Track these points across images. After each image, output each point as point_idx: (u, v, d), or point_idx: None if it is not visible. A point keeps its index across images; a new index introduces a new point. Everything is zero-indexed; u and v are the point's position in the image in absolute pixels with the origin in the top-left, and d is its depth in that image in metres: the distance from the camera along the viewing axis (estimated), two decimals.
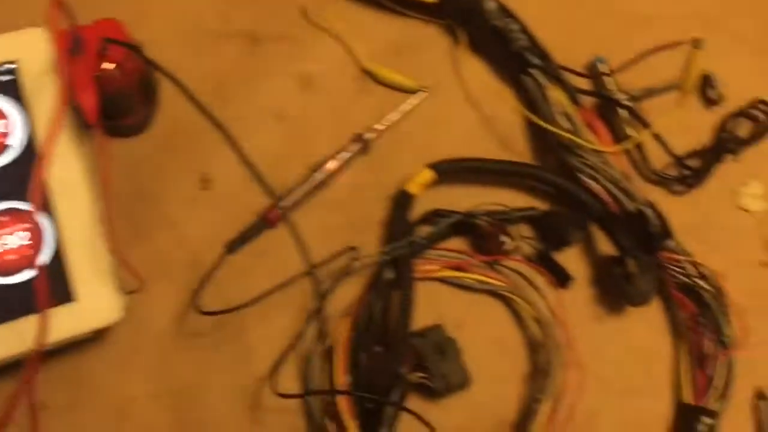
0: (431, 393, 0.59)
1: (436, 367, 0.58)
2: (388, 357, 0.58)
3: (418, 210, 0.63)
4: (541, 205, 0.65)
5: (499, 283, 0.62)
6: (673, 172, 0.66)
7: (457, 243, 0.64)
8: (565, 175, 0.63)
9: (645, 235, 0.60)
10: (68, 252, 0.54)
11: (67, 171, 0.54)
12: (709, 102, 0.68)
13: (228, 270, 0.61)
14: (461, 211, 0.62)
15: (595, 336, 0.63)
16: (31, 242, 0.53)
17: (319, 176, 0.63)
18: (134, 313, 0.60)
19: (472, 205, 0.63)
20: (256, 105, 0.66)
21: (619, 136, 0.65)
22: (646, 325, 0.63)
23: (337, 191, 0.65)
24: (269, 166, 0.64)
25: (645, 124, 0.65)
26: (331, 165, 0.64)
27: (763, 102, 0.68)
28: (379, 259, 0.61)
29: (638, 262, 0.59)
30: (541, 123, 0.62)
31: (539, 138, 0.66)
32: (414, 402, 0.60)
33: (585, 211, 0.62)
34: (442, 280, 0.63)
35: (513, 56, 0.65)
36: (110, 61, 0.54)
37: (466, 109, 0.67)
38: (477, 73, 0.68)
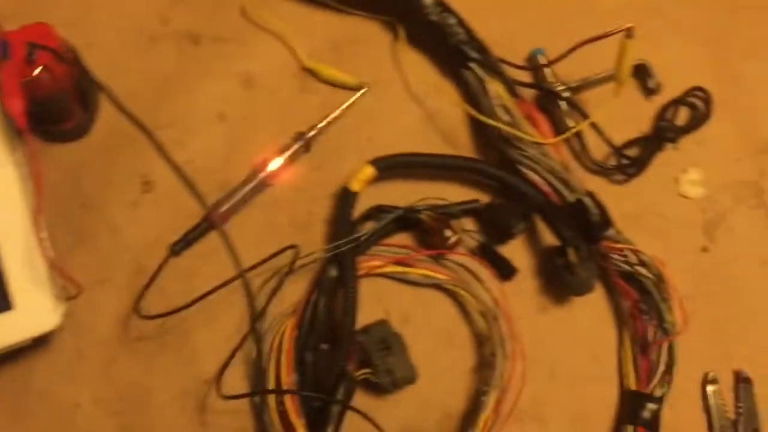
0: (378, 389, 0.59)
1: (382, 362, 0.58)
2: (333, 354, 0.58)
3: (361, 206, 0.63)
4: (484, 198, 0.65)
5: (444, 277, 0.62)
6: (613, 162, 0.67)
7: (402, 238, 0.64)
8: (506, 167, 0.63)
9: (586, 225, 0.60)
10: (3, 260, 0.53)
11: None
12: (648, 91, 0.69)
13: (173, 272, 0.61)
14: (403, 207, 0.62)
15: (541, 326, 0.63)
16: None
17: (262, 175, 0.63)
18: (78, 318, 0.60)
19: (416, 200, 0.63)
20: (198, 105, 0.66)
21: (560, 128, 0.66)
22: (591, 314, 0.64)
23: (281, 190, 0.64)
24: (213, 166, 0.64)
25: (584, 115, 0.65)
26: (274, 164, 0.64)
27: (700, 89, 0.68)
28: (320, 257, 0.61)
29: (579, 251, 0.60)
30: (480, 116, 0.62)
31: (481, 131, 0.66)
32: (362, 398, 0.60)
33: (526, 202, 0.62)
34: (388, 276, 0.63)
35: (452, 50, 0.65)
36: (39, 66, 0.53)
37: (408, 104, 0.67)
38: (418, 68, 0.68)
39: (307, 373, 0.59)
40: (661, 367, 0.61)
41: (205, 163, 0.64)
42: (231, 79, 0.67)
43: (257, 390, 0.59)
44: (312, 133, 0.64)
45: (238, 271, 0.60)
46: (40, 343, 0.58)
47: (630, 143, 0.67)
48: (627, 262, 0.62)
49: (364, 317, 0.61)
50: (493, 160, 0.65)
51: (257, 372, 0.59)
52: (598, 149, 0.67)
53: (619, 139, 0.67)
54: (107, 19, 0.67)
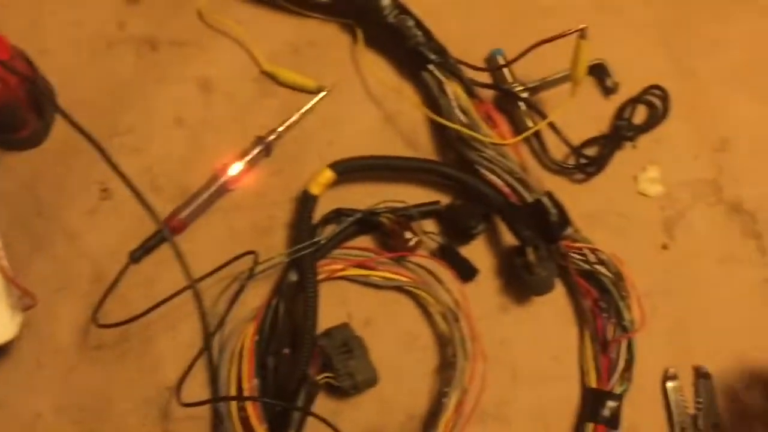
0: (340, 392, 0.59)
1: (343, 366, 0.58)
2: (295, 359, 0.58)
3: (322, 210, 0.63)
4: (444, 199, 0.65)
5: (405, 279, 0.62)
6: (573, 161, 0.67)
7: (363, 241, 0.64)
8: (465, 169, 0.63)
9: (544, 225, 0.61)
10: None
11: None
12: (607, 90, 0.69)
13: (134, 279, 0.61)
14: (364, 210, 0.62)
15: (502, 326, 0.64)
16: None
17: (222, 180, 0.63)
18: (36, 328, 0.59)
19: (376, 202, 0.63)
20: (156, 110, 0.66)
21: (519, 128, 0.66)
22: (552, 313, 0.64)
23: (241, 195, 0.64)
24: (172, 171, 0.64)
25: (542, 115, 0.65)
26: (234, 169, 0.63)
27: (657, 88, 0.69)
28: (281, 262, 0.61)
29: (538, 251, 0.60)
30: (437, 118, 0.62)
31: (441, 132, 0.67)
32: (324, 401, 0.60)
33: (486, 203, 0.62)
34: (350, 279, 0.63)
35: (410, 53, 0.65)
36: None
37: (368, 106, 0.68)
38: (377, 70, 0.68)
39: (269, 377, 0.59)
40: (621, 365, 0.61)
41: (164, 169, 0.64)
42: (189, 84, 0.67)
43: (217, 397, 0.59)
44: (272, 137, 0.64)
45: (189, 280, 0.60)
46: None
47: (589, 142, 0.68)
48: (586, 261, 0.63)
49: (327, 321, 0.61)
50: (453, 161, 0.65)
51: (218, 378, 0.59)
52: (557, 149, 0.67)
53: (578, 138, 0.67)
54: (61, 26, 0.67)
